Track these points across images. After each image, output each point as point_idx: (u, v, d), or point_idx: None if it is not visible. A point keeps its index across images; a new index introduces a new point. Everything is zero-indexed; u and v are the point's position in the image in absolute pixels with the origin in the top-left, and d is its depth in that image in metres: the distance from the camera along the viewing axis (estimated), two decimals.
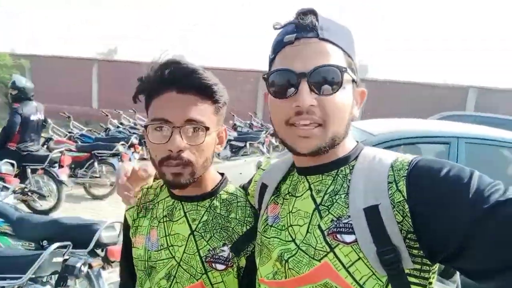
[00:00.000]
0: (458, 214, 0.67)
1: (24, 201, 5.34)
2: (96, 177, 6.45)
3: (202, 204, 1.07)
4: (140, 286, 1.10)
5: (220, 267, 1.01)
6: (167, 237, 1.06)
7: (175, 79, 0.95)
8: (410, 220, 0.72)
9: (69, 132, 8.30)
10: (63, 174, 5.54)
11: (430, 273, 0.76)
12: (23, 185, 4.42)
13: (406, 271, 0.74)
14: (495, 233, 0.65)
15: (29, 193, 4.50)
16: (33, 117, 5.47)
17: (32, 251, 2.84)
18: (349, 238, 0.76)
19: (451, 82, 14.56)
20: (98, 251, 3.01)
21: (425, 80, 14.61)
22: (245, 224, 1.04)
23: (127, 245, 1.17)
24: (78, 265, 2.66)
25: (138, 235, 1.12)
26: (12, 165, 4.93)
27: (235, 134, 9.57)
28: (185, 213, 1.06)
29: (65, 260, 2.72)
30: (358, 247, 0.74)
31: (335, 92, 0.78)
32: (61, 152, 5.76)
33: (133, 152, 7.33)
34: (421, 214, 0.71)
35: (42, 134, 6.08)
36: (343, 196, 0.80)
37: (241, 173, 3.62)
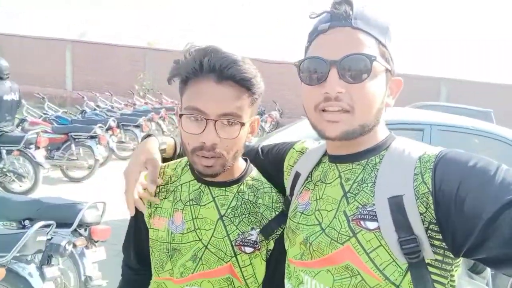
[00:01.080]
0: (482, 205, 0.68)
1: None
2: (73, 159, 6.36)
3: (230, 190, 1.06)
4: (160, 268, 1.08)
5: (248, 250, 1.02)
6: (194, 220, 1.05)
7: (215, 68, 0.92)
8: (433, 212, 0.73)
9: (44, 114, 8.11)
10: (39, 155, 5.43)
11: (453, 266, 0.77)
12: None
13: (427, 261, 0.75)
14: None
15: (7, 173, 4.41)
16: (6, 97, 5.30)
17: (16, 230, 2.83)
18: (372, 225, 0.78)
19: (425, 74, 14.96)
20: (81, 230, 3.03)
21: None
22: (273, 210, 1.06)
23: (139, 229, 1.14)
24: (63, 243, 2.68)
25: (157, 217, 1.09)
26: None
27: None
28: (213, 198, 1.05)
29: (49, 239, 2.73)
30: (380, 234, 0.76)
31: (364, 80, 0.79)
32: (37, 133, 5.63)
33: (111, 135, 7.24)
34: (445, 206, 0.72)
35: (16, 116, 5.92)
36: (369, 184, 0.82)
37: None
